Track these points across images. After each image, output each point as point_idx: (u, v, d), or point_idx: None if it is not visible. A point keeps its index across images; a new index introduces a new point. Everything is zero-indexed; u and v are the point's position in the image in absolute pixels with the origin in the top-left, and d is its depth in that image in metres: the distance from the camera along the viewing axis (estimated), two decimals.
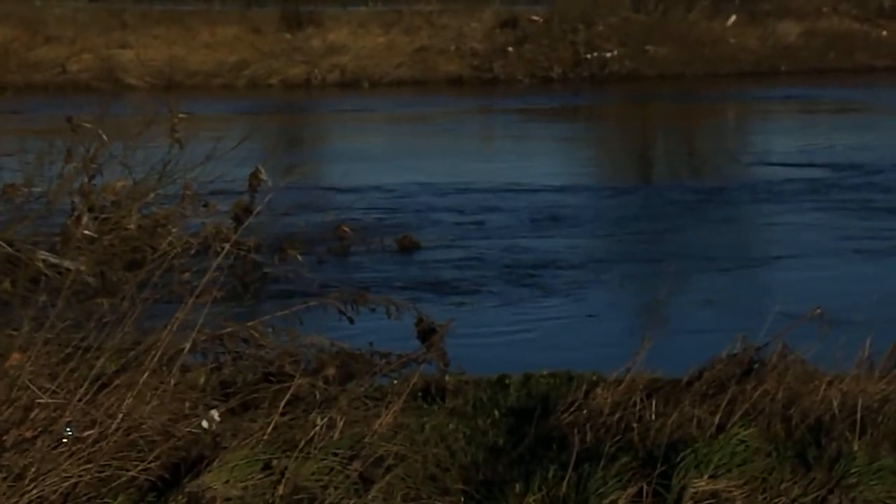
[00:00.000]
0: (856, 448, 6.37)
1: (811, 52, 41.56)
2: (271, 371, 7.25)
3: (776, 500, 6.03)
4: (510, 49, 39.77)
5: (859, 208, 17.92)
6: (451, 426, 7.02)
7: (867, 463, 6.21)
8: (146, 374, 6.25)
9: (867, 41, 42.45)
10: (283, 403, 6.37)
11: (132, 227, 12.69)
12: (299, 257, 12.84)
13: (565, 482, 6.01)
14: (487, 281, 13.89)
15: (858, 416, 6.69)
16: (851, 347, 7.48)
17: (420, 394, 7.60)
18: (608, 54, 39.62)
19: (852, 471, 6.14)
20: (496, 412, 7.37)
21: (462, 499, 6.10)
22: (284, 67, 38.79)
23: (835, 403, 6.91)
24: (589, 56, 39.57)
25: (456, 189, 19.93)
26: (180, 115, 13.44)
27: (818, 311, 7.71)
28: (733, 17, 42.07)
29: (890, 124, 28.90)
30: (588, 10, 40.36)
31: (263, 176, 13.42)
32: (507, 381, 8.13)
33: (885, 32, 42.77)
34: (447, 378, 7.99)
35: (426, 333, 8.31)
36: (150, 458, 5.88)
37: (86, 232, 12.28)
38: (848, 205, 18.17)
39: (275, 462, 5.90)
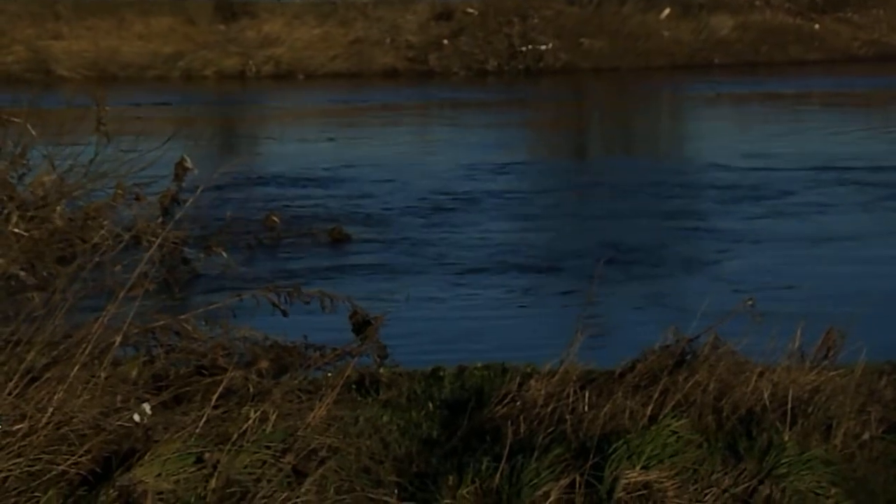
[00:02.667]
0: (786, 439, 6.42)
1: (744, 45, 41.82)
2: (204, 364, 7.21)
3: (707, 491, 6.07)
4: (445, 41, 39.76)
5: (796, 202, 18.06)
6: (385, 418, 7.02)
7: (798, 453, 6.27)
8: (77, 368, 6.20)
9: (800, 35, 42.76)
10: (215, 396, 6.34)
11: (60, 221, 12.57)
12: (224, 253, 12.75)
13: (498, 474, 6.03)
14: (420, 270, 13.89)
15: (789, 406, 6.74)
16: (782, 339, 7.53)
17: (354, 386, 7.59)
18: (543, 47, 39.68)
19: (783, 461, 6.19)
20: (430, 404, 7.38)
21: (396, 491, 6.09)
22: (219, 59, 38.56)
23: (766, 394, 6.96)
24: (524, 49, 39.62)
25: (389, 178, 19.91)
26: (107, 108, 13.31)
27: (749, 302, 7.75)
28: (667, 11, 42.26)
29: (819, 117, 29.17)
30: (522, 3, 40.40)
31: (189, 164, 13.31)
32: (441, 374, 8.14)
33: (817, 26, 43.11)
34: (381, 370, 7.98)
35: (361, 326, 8.29)
36: (81, 451, 5.84)
37: (15, 231, 12.16)
38: (787, 200, 18.30)
39: (207, 455, 5.87)
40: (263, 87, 36.67)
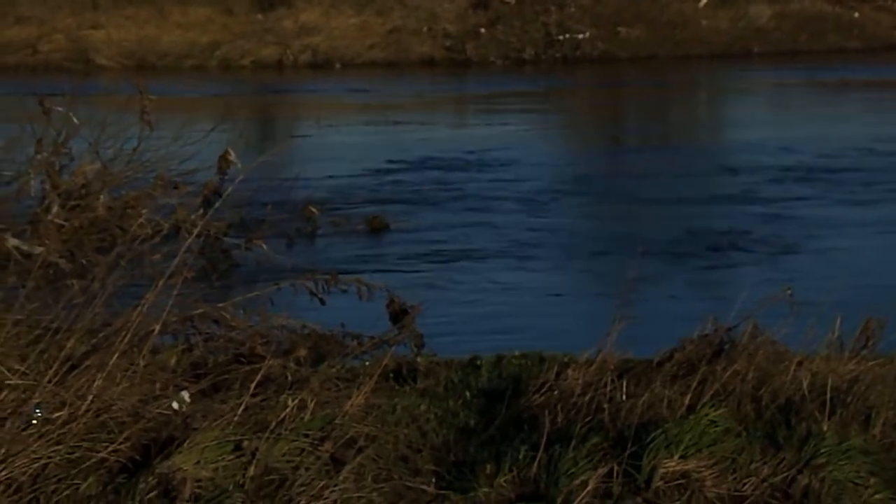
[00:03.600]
0: (825, 428, 6.40)
1: (783, 34, 41.60)
2: (242, 352, 7.24)
3: (746, 480, 6.06)
4: (482, 30, 39.71)
5: (842, 192, 17.96)
6: (422, 407, 7.02)
7: (836, 443, 6.25)
8: (116, 356, 6.23)
9: (839, 23, 42.51)
10: (253, 385, 6.36)
11: (101, 210, 12.64)
12: (264, 246, 12.80)
13: (536, 463, 6.03)
14: (458, 260, 13.92)
15: (828, 396, 6.72)
16: (822, 328, 7.50)
17: (391, 375, 7.60)
18: (580, 36, 39.59)
19: (822, 451, 6.17)
20: (467, 393, 7.38)
21: (433, 479, 6.10)
22: (256, 48, 38.63)
23: (804, 384, 6.93)
24: (561, 38, 39.53)
25: (429, 167, 19.93)
26: (150, 97, 13.38)
27: (789, 291, 7.72)
28: (705, 0, 42.12)
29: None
30: None
31: (233, 158, 13.37)
32: (478, 363, 8.14)
33: (856, 14, 42.85)
34: (419, 359, 8.00)
35: (398, 314, 8.31)
36: (121, 439, 5.87)
37: (56, 220, 12.24)
38: (832, 189, 18.20)
39: (245, 443, 5.89)
40: (301, 75, 36.71)
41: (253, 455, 5.85)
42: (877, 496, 6.01)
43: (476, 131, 25.05)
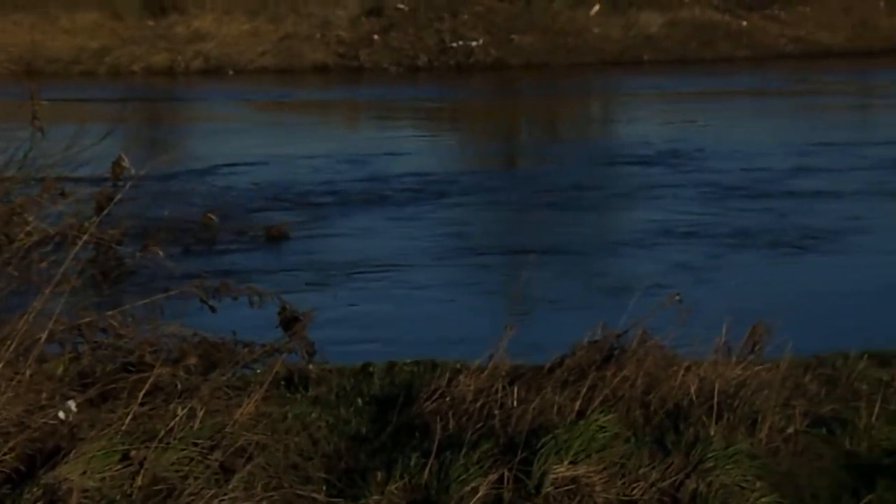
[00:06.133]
0: (712, 433, 6.47)
1: (673, 42, 42.05)
2: (131, 361, 7.16)
3: (635, 485, 6.10)
4: (376, 37, 39.72)
5: (719, 196, 18.16)
6: (313, 415, 7.00)
7: (723, 447, 6.31)
8: (1, 365, 6.14)
9: (728, 31, 43.05)
10: (142, 393, 6.30)
11: None
12: (160, 252, 12.67)
13: (427, 470, 6.04)
14: (355, 267, 13.89)
15: (715, 401, 6.79)
16: (710, 333, 7.58)
17: (283, 383, 7.57)
18: (473, 43, 39.75)
19: (709, 455, 6.23)
20: (359, 400, 7.37)
21: (324, 487, 6.08)
22: (147, 54, 38.32)
23: (692, 389, 7.01)
24: (454, 45, 39.65)
25: (328, 176, 19.88)
26: (41, 102, 13.18)
27: (677, 297, 7.80)
28: (596, 7, 42.44)
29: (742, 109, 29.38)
30: None
31: (126, 164, 13.22)
32: (370, 370, 8.13)
33: (745, 23, 43.42)
34: (310, 367, 7.96)
35: (290, 322, 8.27)
36: (5, 449, 5.78)
37: None
38: (708, 194, 18.40)
39: (133, 453, 5.83)
40: (192, 82, 36.46)
41: (141, 464, 5.79)
42: (763, 500, 6.08)
43: (370, 138, 25.03)
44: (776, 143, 23.34)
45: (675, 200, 17.85)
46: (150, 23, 39.33)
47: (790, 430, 6.79)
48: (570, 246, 15.10)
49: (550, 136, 27.85)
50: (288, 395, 7.37)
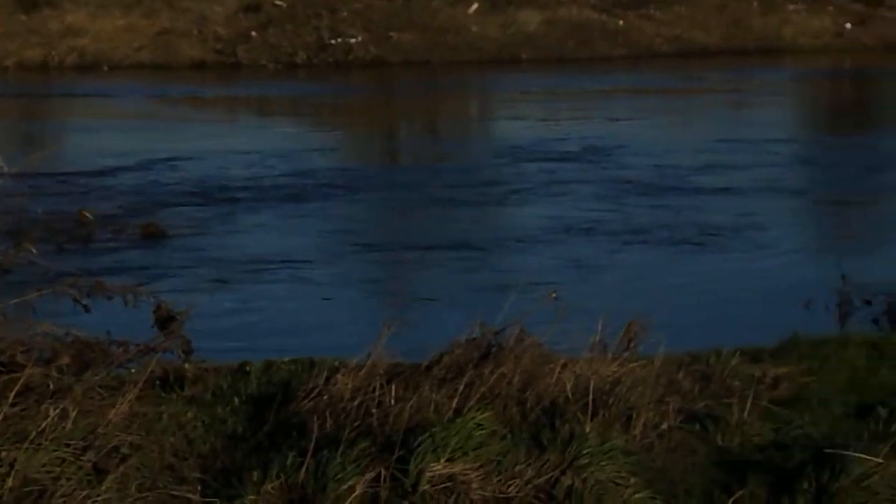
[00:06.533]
0: (588, 429, 6.52)
1: (551, 40, 42.28)
2: (2, 361, 7.04)
3: (511, 482, 6.13)
4: (254, 34, 39.46)
5: (620, 193, 18.33)
6: (189, 414, 6.93)
7: (598, 444, 6.36)
8: None
9: (605, 31, 43.39)
10: (13, 394, 6.20)
11: None
12: (33, 250, 12.48)
13: (304, 469, 6.01)
14: (228, 267, 13.81)
15: (591, 398, 6.84)
16: (586, 331, 7.63)
17: (158, 382, 7.48)
18: (352, 40, 39.66)
19: (584, 451, 6.28)
20: (236, 400, 7.31)
21: (199, 487, 6.04)
22: (20, 49, 37.70)
23: (568, 386, 7.05)
24: (333, 42, 39.53)
25: (203, 172, 19.72)
26: None
27: (554, 295, 7.85)
28: (475, 5, 42.55)
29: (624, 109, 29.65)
30: None
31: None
32: (247, 369, 8.06)
33: (621, 22, 43.80)
34: (186, 366, 7.88)
35: (165, 321, 8.19)
36: None
37: None
38: (610, 191, 18.56)
39: (3, 454, 5.74)
40: (67, 78, 35.95)
41: (11, 466, 5.71)
42: (637, 496, 6.14)
43: (249, 135, 24.86)
44: (677, 140, 23.64)
45: (575, 197, 18.00)
46: (23, 17, 38.70)
47: (664, 426, 6.86)
48: (465, 243, 15.15)
49: (436, 134, 27.90)
50: (163, 394, 7.29)
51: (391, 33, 40.15)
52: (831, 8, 45.70)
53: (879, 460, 6.16)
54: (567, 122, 27.01)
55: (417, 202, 18.00)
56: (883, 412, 6.90)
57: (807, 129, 28.38)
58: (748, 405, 7.01)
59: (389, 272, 14.26)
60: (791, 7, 45.56)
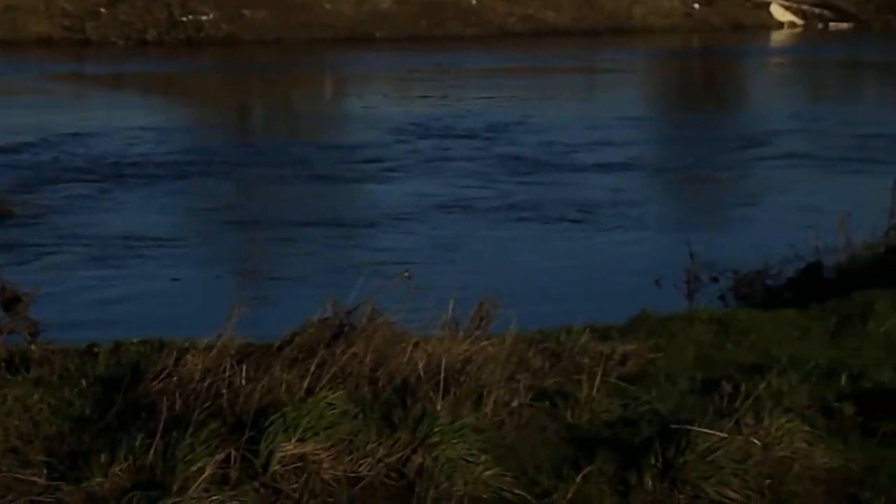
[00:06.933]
0: (439, 408, 6.53)
1: (404, 19, 42.31)
2: None
3: (362, 462, 6.13)
4: (103, 10, 38.88)
5: (500, 170, 18.44)
6: (35, 397, 6.81)
7: (449, 422, 6.38)
8: None
9: (458, 9, 43.53)
10: None
11: None
12: None
13: (152, 450, 5.95)
14: (83, 246, 13.63)
15: (442, 376, 6.86)
16: (441, 309, 7.65)
17: (3, 364, 7.35)
18: (204, 17, 39.27)
19: (435, 430, 6.30)
20: (84, 382, 7.20)
21: (45, 470, 5.94)
22: None
23: (420, 365, 7.06)
24: (184, 19, 39.11)
25: (53, 149, 19.41)
26: None
27: (407, 273, 7.86)
28: None
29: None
30: None
31: None
32: (95, 350, 7.94)
33: (475, 1, 43.96)
34: (32, 347, 7.76)
35: (10, 302, 8.07)
36: None
37: None
38: (491, 168, 18.67)
39: None
40: None
41: None
42: (487, 473, 6.18)
43: (97, 113, 24.51)
44: (546, 118, 23.86)
45: (449, 174, 18.07)
46: None
47: (514, 403, 6.90)
48: (338, 220, 15.14)
49: (302, 112, 27.76)
50: (8, 376, 7.16)
51: (244, 11, 39.83)
52: None
53: (724, 435, 6.27)
54: (438, 101, 27.10)
55: (289, 180, 17.91)
56: (728, 387, 7.01)
57: (664, 108, 28.84)
58: (597, 382, 7.08)
59: (255, 250, 14.18)
60: None
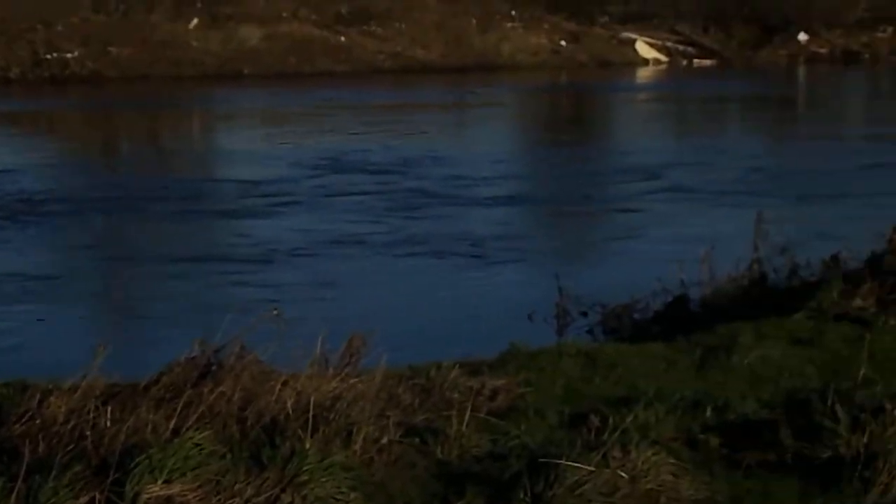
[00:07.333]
0: (308, 446, 6.49)
1: (273, 56, 42.23)
2: None
3: (230, 501, 6.07)
4: None
5: (389, 206, 18.45)
6: None
7: (319, 460, 6.35)
8: None
9: (327, 47, 43.55)
10: None
11: None
12: None
13: (14, 495, 5.84)
14: None
15: (311, 414, 6.82)
16: (310, 346, 7.61)
17: None
18: (69, 55, 38.85)
19: (304, 468, 6.26)
20: None
21: None
22: None
23: (289, 403, 7.01)
24: (49, 57, 38.65)
25: None
26: None
27: (276, 311, 7.81)
28: (195, 20, 42.19)
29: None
30: (46, 9, 39.39)
31: None
32: None
33: (343, 38, 44.02)
34: None
35: None
36: None
37: None
38: (379, 203, 18.67)
39: None
40: None
41: None
42: None
43: None
44: (427, 152, 23.94)
45: (341, 210, 18.07)
46: None
47: (384, 440, 6.88)
48: (215, 257, 15.01)
49: (167, 149, 27.54)
50: None
51: (110, 48, 39.48)
52: (547, 26, 46.91)
53: (591, 468, 6.31)
54: (311, 136, 27.13)
55: (168, 216, 17.75)
56: (596, 421, 7.06)
57: (540, 142, 29.13)
58: (466, 417, 7.09)
59: (127, 288, 14.02)
60: (509, 25, 46.58)
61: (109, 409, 6.74)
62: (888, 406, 7.06)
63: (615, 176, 21.87)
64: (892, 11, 50.02)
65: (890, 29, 50.48)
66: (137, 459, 6.08)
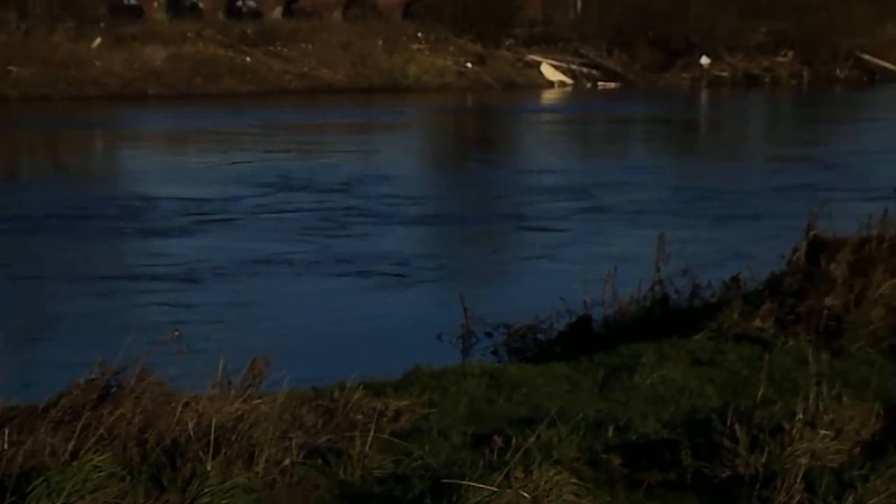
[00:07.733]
0: (209, 468, 6.45)
1: (178, 76, 41.99)
2: None
3: None
4: None
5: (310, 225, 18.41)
6: None
7: (220, 482, 6.31)
8: None
9: (233, 67, 43.39)
10: None
11: None
12: None
13: None
14: None
15: (212, 435, 6.78)
16: (212, 368, 7.56)
17: None
18: None
19: (205, 490, 6.22)
20: None
21: None
22: None
23: (190, 425, 6.96)
24: None
25: None
26: None
27: (176, 332, 7.75)
28: (98, 40, 41.87)
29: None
30: None
31: None
32: None
33: (248, 59, 43.88)
34: None
35: None
36: None
37: None
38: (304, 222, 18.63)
39: None
40: None
41: None
42: None
43: None
44: (342, 173, 23.92)
45: (259, 229, 17.98)
46: None
47: (287, 462, 6.85)
48: (126, 276, 14.87)
49: (72, 168, 27.28)
50: None
51: (10, 67, 39.05)
52: (453, 48, 47.08)
53: (494, 488, 6.31)
54: (213, 156, 27.00)
55: (84, 235, 17.56)
56: (499, 441, 7.07)
57: (454, 162, 29.28)
58: (370, 438, 7.08)
59: (33, 308, 13.84)
60: (415, 46, 46.69)
61: (7, 431, 6.66)
62: (786, 426, 7.14)
63: (530, 196, 21.98)
64: (792, 36, 50.78)
65: (790, 53, 51.19)
66: (35, 482, 6.02)
